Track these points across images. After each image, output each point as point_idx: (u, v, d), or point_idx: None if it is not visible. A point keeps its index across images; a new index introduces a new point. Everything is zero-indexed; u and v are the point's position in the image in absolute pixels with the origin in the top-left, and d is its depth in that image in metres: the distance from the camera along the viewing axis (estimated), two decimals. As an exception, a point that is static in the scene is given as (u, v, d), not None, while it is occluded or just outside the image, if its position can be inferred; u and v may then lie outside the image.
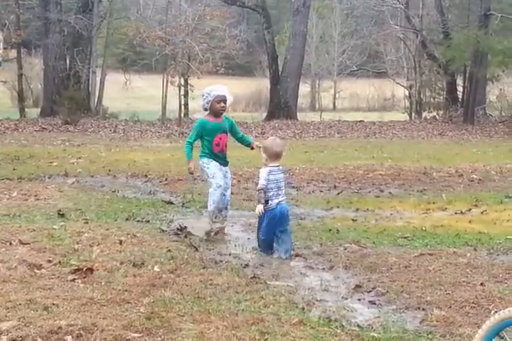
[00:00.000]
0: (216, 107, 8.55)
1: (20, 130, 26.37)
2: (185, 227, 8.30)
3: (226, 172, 8.70)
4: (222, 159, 8.67)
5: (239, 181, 13.08)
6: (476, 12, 33.31)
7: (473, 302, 5.70)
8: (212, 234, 8.21)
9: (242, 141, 8.88)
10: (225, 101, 8.56)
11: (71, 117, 28.63)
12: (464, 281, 6.33)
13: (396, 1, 38.17)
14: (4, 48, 34.82)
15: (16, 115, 32.02)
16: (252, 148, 8.70)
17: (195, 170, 8.70)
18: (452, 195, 11.85)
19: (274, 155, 7.57)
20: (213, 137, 8.56)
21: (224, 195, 8.61)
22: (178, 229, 8.31)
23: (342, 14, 52.47)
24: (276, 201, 7.54)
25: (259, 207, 7.50)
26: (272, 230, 7.54)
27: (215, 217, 8.55)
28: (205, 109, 8.66)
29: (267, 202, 7.53)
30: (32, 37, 38.74)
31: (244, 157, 15.42)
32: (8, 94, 37.78)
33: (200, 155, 8.66)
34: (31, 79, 39.36)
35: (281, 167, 7.70)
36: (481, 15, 31.92)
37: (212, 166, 8.56)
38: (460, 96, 35.71)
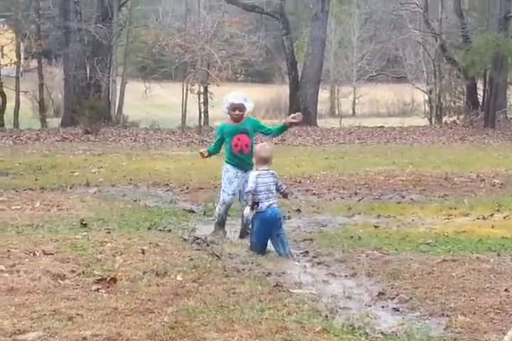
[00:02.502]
0: (231, 114, 8.91)
1: (41, 140, 26.54)
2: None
3: (243, 178, 8.75)
4: (242, 160, 8.85)
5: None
6: (495, 15, 33.21)
7: (497, 309, 5.66)
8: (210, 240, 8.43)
9: (274, 130, 9.13)
10: (240, 108, 8.83)
11: (92, 126, 28.79)
12: (487, 287, 6.29)
13: (415, 5, 38.10)
14: (25, 58, 35.04)
15: (38, 125, 32.25)
16: (290, 125, 9.02)
17: (208, 157, 9.25)
18: (474, 200, 11.79)
19: (262, 160, 7.98)
20: (232, 138, 8.88)
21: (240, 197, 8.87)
22: (196, 238, 8.36)
23: (360, 19, 52.48)
24: (267, 204, 7.84)
25: (247, 209, 7.85)
26: (264, 233, 7.87)
27: (218, 230, 8.98)
28: (226, 113, 9.02)
29: (257, 204, 7.83)
30: (52, 46, 38.96)
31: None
32: (29, 104, 38.01)
33: (225, 161, 9.03)
34: (52, 88, 39.60)
35: (272, 171, 8.00)
36: (501, 17, 31.82)
37: (225, 178, 8.92)
38: (480, 100, 35.55)
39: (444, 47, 36.32)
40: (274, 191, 7.94)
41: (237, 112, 8.82)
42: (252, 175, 7.94)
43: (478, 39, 32.51)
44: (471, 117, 34.30)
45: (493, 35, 31.10)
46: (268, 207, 7.84)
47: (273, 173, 8.00)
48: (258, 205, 7.84)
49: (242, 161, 8.84)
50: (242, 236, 8.80)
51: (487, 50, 30.85)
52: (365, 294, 6.25)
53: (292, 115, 8.98)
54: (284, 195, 8.35)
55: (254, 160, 8.17)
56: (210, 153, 9.17)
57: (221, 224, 9.04)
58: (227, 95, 9.05)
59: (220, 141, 9.05)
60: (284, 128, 9.06)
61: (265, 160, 7.99)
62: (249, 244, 8.06)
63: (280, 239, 7.88)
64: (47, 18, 37.59)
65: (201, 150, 9.28)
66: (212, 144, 9.28)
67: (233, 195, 8.87)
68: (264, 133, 9.25)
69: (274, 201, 7.94)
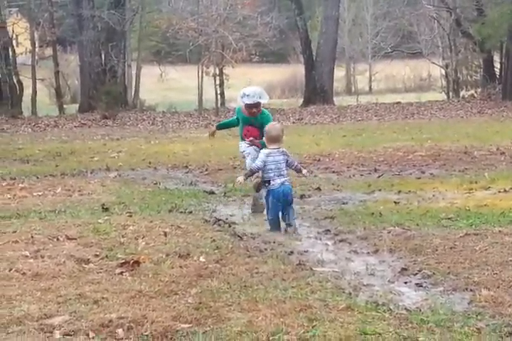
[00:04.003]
0: (248, 111, 9.19)
1: (60, 126, 26.64)
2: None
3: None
4: (251, 145, 9.16)
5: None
6: (509, -13, 32.85)
7: (521, 282, 5.65)
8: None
9: None
10: (255, 106, 9.09)
11: (109, 112, 28.86)
12: (511, 260, 6.27)
13: (428, -20, 37.79)
14: (40, 46, 35.10)
15: (55, 112, 32.37)
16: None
17: (214, 136, 10.04)
18: (495, 174, 11.73)
19: (272, 139, 8.16)
20: (243, 126, 9.28)
21: None
22: (218, 219, 8.41)
23: (374, -4, 52.06)
24: (279, 181, 8.06)
25: (240, 178, 8.22)
26: (277, 209, 8.03)
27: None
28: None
29: (268, 182, 8.09)
30: (66, 34, 39.03)
31: (284, 143, 15.38)
32: (46, 91, 38.11)
33: (240, 137, 9.46)
34: (68, 75, 39.66)
35: (282, 149, 8.17)
36: (516, -11, 31.49)
37: (243, 146, 9.32)
38: (498, 73, 35.28)
39: (458, 22, 36.01)
40: (284, 168, 8.14)
41: (253, 110, 9.14)
42: (262, 152, 8.17)
43: (493, 12, 32.21)
44: (488, 90, 34.06)
45: (507, 7, 30.77)
46: (281, 184, 8.05)
47: (283, 151, 8.19)
48: (270, 183, 8.08)
49: (251, 145, 9.17)
50: (253, 211, 9.08)
51: (502, 23, 30.55)
52: (388, 270, 6.25)
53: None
54: (298, 171, 8.44)
55: (264, 139, 8.31)
56: (220, 127, 9.86)
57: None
58: (241, 91, 9.23)
59: (236, 120, 9.52)
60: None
61: (275, 139, 8.18)
62: (268, 223, 8.16)
63: (288, 215, 8.05)
64: (60, 6, 37.60)
65: (211, 131, 9.95)
66: (230, 119, 9.85)
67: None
68: None
69: (286, 178, 8.13)
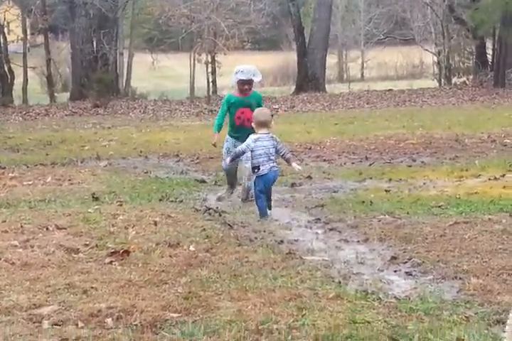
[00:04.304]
0: (240, 88, 9.25)
1: (51, 115, 26.54)
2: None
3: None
4: (242, 133, 9.06)
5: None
6: (503, -27, 32.78)
7: (510, 270, 5.65)
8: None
9: None
10: (248, 83, 9.18)
11: (100, 100, 28.74)
12: (500, 248, 6.29)
13: (421, -35, 37.66)
14: (31, 34, 34.93)
15: (46, 100, 32.21)
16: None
17: (217, 143, 9.53)
18: (485, 161, 11.76)
19: (261, 124, 8.26)
20: (235, 110, 9.26)
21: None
22: (208, 208, 8.42)
23: (367, -18, 51.97)
24: (268, 166, 8.16)
25: (227, 160, 8.59)
26: (264, 194, 8.19)
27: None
28: (233, 86, 9.43)
29: (258, 168, 8.17)
30: (58, 21, 38.79)
31: (275, 132, 15.37)
32: (37, 79, 37.94)
33: (227, 132, 9.48)
34: (59, 63, 39.44)
35: (271, 134, 8.28)
36: (509, -24, 31.41)
37: (225, 146, 9.45)
38: (490, 60, 35.26)
39: (451, 8, 35.91)
40: (273, 154, 8.20)
41: (246, 87, 9.21)
42: (250, 138, 8.24)
43: (486, -2, 32.12)
44: (480, 77, 34.03)
45: (501, -7, 30.72)
46: (269, 169, 8.15)
47: (272, 136, 8.27)
48: (259, 169, 8.15)
49: (241, 134, 9.05)
50: (244, 199, 9.16)
51: (495, 9, 30.47)
52: (378, 259, 6.27)
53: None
54: (287, 161, 8.51)
55: (253, 124, 8.36)
56: (219, 128, 9.46)
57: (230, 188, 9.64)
58: (236, 68, 9.29)
59: (225, 112, 9.38)
60: None
61: (264, 124, 8.27)
62: (259, 209, 8.19)
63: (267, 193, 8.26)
64: (52, -7, 37.40)
65: (213, 141, 9.60)
66: (218, 116, 9.54)
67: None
68: None
69: (274, 164, 8.23)
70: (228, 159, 8.48)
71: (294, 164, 8.50)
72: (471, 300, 5.10)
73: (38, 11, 32.89)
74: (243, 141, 8.62)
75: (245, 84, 9.16)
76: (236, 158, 8.44)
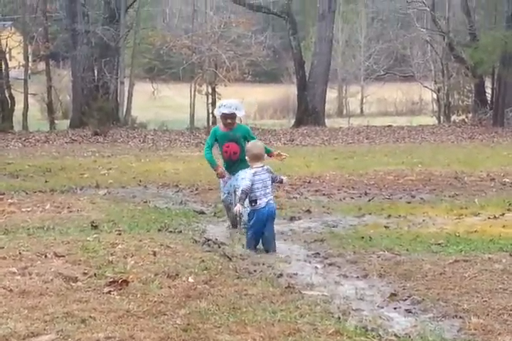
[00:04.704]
0: (223, 122, 9.44)
1: (50, 142, 26.58)
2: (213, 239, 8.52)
3: (234, 176, 9.30)
4: (231, 166, 9.38)
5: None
6: (503, 12, 33.11)
7: (511, 310, 5.63)
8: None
9: None
10: (231, 117, 9.31)
11: (100, 128, 28.83)
12: (500, 288, 6.27)
13: (422, 4, 38.03)
14: (33, 61, 35.10)
15: (46, 127, 32.33)
16: (270, 156, 9.39)
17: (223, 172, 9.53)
18: (485, 200, 11.75)
19: (255, 157, 8.25)
20: (222, 145, 9.43)
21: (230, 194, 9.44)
22: (207, 239, 8.41)
23: (367, 18, 52.50)
24: (265, 200, 8.12)
25: (238, 207, 8.11)
26: (260, 228, 8.08)
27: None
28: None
29: (255, 201, 8.11)
30: (60, 49, 39.04)
31: (274, 165, 15.40)
32: (37, 106, 38.11)
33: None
34: (60, 91, 39.70)
35: (266, 167, 8.25)
36: (509, 15, 31.76)
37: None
38: (489, 99, 35.46)
39: (451, 46, 36.22)
40: (269, 186, 8.23)
41: (228, 121, 9.36)
42: (249, 173, 8.22)
43: (486, 37, 32.42)
44: (479, 116, 34.21)
45: (500, 32, 31.01)
46: (266, 203, 8.12)
47: (267, 168, 8.28)
48: (256, 202, 8.12)
49: (231, 167, 9.38)
50: (233, 226, 9.42)
51: (495, 48, 30.75)
52: (378, 295, 6.23)
53: (284, 156, 9.32)
54: (280, 182, 8.56)
55: (246, 157, 8.44)
56: (214, 161, 9.53)
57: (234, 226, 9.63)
58: (219, 102, 9.71)
59: (212, 143, 9.50)
60: (268, 152, 9.24)
61: (258, 157, 8.30)
62: (247, 241, 8.24)
63: (267, 233, 8.15)
64: (54, 21, 37.68)
65: (222, 174, 9.52)
66: (209, 141, 9.57)
67: (228, 193, 9.42)
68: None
69: (271, 197, 8.24)
70: (239, 205, 8.11)
71: (284, 178, 8.61)
72: (472, 339, 5.07)
73: (40, 38, 33.18)
74: (234, 172, 9.06)
75: (227, 118, 9.29)
76: (245, 197, 8.13)
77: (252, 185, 8.08)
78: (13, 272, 6.53)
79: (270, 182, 8.23)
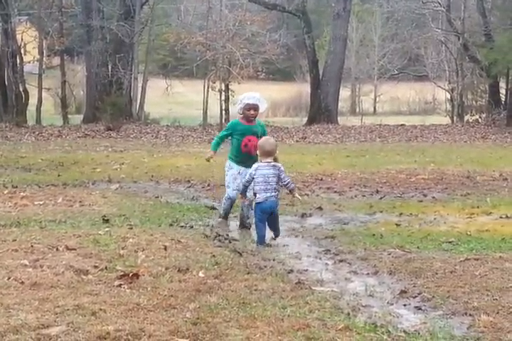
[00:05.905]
0: (247, 114, 9.26)
1: (63, 136, 26.64)
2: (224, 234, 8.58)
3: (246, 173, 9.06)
4: (246, 160, 9.17)
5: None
6: (518, 13, 33.01)
7: (521, 308, 5.63)
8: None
9: None
10: (255, 108, 9.22)
11: (113, 123, 28.88)
12: (511, 286, 6.25)
13: (437, 4, 37.88)
14: (48, 56, 35.23)
15: (60, 122, 32.44)
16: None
17: (214, 160, 9.86)
18: (497, 199, 11.72)
19: (266, 153, 8.39)
20: (243, 138, 9.26)
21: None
22: (218, 235, 8.44)
23: (382, 18, 52.33)
24: (264, 196, 8.23)
25: (242, 199, 8.66)
26: (264, 223, 8.32)
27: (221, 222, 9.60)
28: (240, 114, 9.39)
29: (255, 194, 8.33)
30: (75, 44, 39.14)
31: (287, 162, 15.41)
32: (51, 101, 38.22)
33: (228, 156, 9.49)
34: (74, 86, 39.80)
35: (273, 163, 8.37)
36: (524, 16, 31.63)
37: (229, 174, 9.39)
38: (503, 99, 35.33)
39: (466, 46, 36.07)
40: (273, 184, 8.26)
41: (252, 112, 9.23)
42: (253, 166, 8.39)
43: (501, 37, 32.30)
44: (493, 116, 34.07)
45: (516, 33, 30.90)
46: (266, 199, 8.22)
47: (274, 165, 8.33)
48: (256, 195, 8.31)
49: (247, 160, 9.14)
50: (241, 226, 9.32)
51: (510, 49, 30.61)
52: (387, 292, 6.23)
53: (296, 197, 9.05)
54: (289, 190, 8.55)
55: (258, 152, 8.52)
56: (216, 147, 9.57)
57: (225, 217, 9.66)
58: (242, 96, 9.49)
59: (226, 136, 9.50)
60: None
61: (269, 153, 8.38)
62: (257, 236, 8.33)
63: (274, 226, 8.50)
64: (69, 16, 37.79)
65: (207, 157, 9.72)
66: (223, 133, 9.63)
67: (238, 190, 9.17)
68: None
69: (273, 194, 8.28)
70: (241, 195, 8.65)
71: (296, 195, 8.67)
72: (481, 337, 5.06)
73: (56, 34, 33.32)
74: (248, 165, 8.84)
75: (251, 109, 9.17)
76: (246, 189, 8.48)
77: (254, 178, 8.25)
78: (24, 264, 6.57)
79: (274, 179, 8.26)
